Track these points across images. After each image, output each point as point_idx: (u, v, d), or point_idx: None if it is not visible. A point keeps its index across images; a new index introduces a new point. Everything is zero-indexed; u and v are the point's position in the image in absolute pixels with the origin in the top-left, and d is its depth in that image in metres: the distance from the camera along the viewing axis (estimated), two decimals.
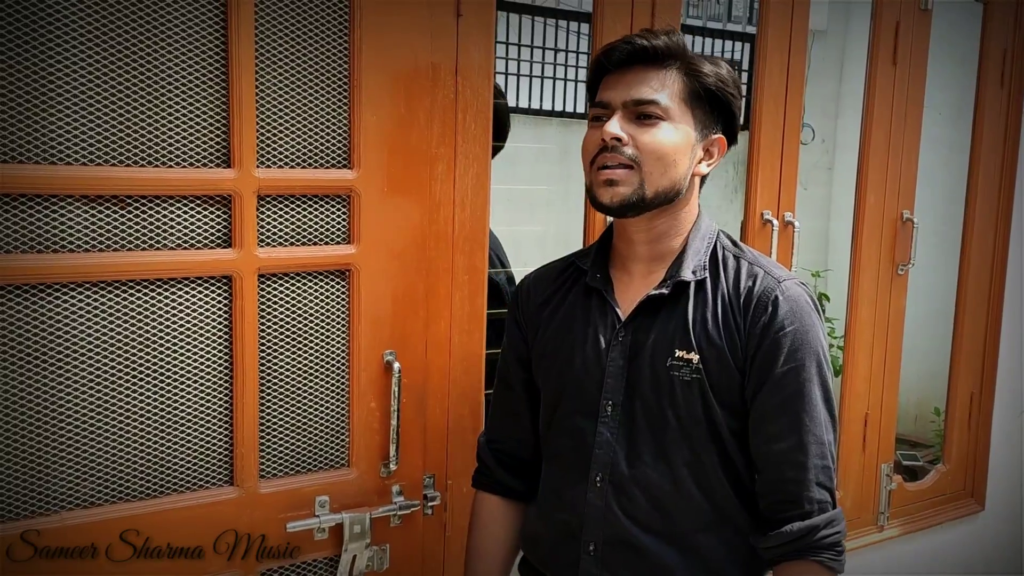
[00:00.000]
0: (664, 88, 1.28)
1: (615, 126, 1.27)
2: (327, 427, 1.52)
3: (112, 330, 1.33)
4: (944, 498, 2.59)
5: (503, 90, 1.98)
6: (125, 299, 1.34)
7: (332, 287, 1.49)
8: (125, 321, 1.34)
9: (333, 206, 1.48)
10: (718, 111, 1.33)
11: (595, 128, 1.31)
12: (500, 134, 1.91)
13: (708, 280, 1.32)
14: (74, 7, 1.25)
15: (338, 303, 1.50)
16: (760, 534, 1.31)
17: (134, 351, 1.35)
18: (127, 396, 1.36)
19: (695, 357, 1.28)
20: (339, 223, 1.48)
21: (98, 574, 1.34)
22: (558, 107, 4.44)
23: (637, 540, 1.32)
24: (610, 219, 1.44)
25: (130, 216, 1.33)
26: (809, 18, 2.06)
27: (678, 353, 1.29)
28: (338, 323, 1.51)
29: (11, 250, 1.25)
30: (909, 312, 2.40)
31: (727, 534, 1.33)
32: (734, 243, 1.38)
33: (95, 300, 1.32)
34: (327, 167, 1.46)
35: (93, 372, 1.33)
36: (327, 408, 1.52)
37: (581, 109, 4.39)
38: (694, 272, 1.32)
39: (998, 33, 2.44)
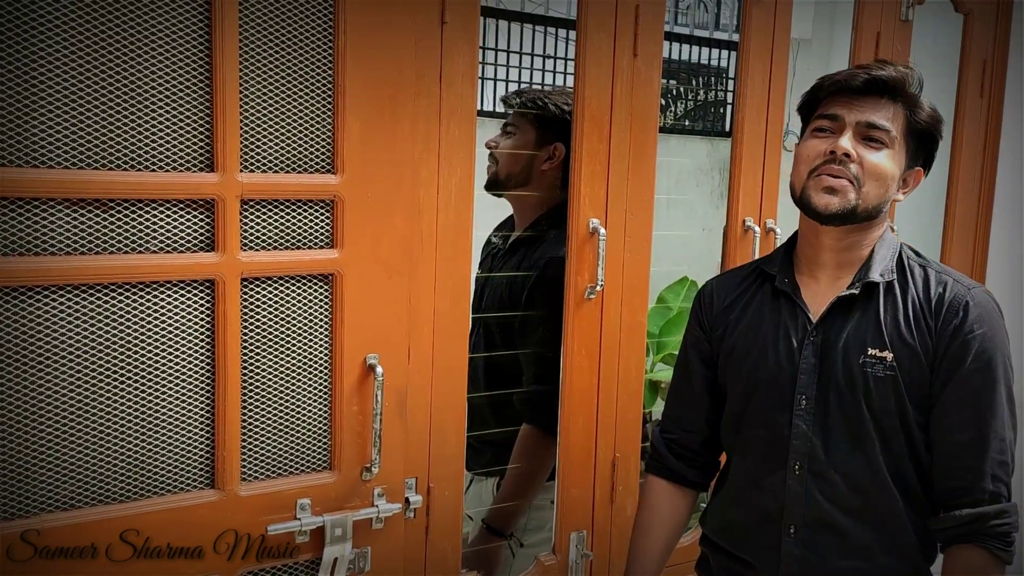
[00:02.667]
0: (892, 119, 1.38)
1: (848, 142, 1.36)
2: (309, 430, 1.53)
3: (95, 333, 1.34)
4: None
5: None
6: (108, 302, 1.34)
7: (315, 291, 1.50)
8: (108, 324, 1.34)
9: (317, 211, 1.48)
10: (923, 147, 1.43)
11: (818, 139, 1.39)
12: None
13: (896, 284, 1.41)
14: (58, 11, 1.25)
15: (321, 307, 1.51)
16: (934, 516, 1.41)
17: (116, 354, 1.36)
18: (108, 399, 1.36)
19: (889, 355, 1.37)
20: (323, 228, 1.49)
21: (82, 574, 1.34)
22: None
23: (837, 521, 1.40)
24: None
25: (113, 219, 1.33)
26: (791, 26, 2.08)
27: (871, 351, 1.38)
28: (321, 327, 1.51)
29: None
30: None
31: (913, 516, 1.41)
32: (917, 254, 1.47)
33: (77, 303, 1.32)
34: (311, 172, 1.47)
35: (74, 375, 1.33)
36: (309, 411, 1.52)
37: None
38: (882, 275, 1.41)
39: (978, 44, 2.47)
